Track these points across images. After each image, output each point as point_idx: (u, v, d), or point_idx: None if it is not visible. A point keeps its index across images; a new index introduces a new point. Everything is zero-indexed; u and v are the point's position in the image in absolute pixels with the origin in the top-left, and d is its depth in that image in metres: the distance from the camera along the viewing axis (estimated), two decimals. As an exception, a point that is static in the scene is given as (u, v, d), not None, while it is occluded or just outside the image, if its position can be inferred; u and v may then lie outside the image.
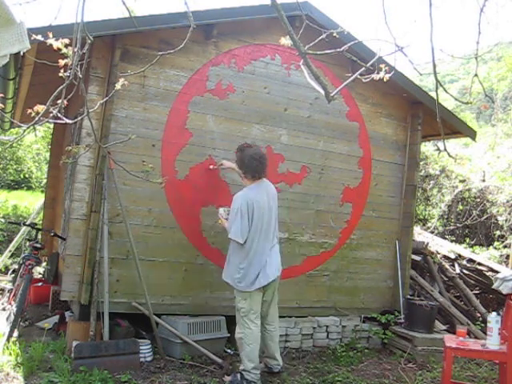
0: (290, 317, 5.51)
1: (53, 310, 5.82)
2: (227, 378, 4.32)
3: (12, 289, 6.00)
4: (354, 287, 5.96)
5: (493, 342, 4.05)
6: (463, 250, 8.54)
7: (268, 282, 4.36)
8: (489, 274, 7.43)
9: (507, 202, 9.86)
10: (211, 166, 5.15)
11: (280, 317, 5.43)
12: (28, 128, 2.76)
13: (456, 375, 4.82)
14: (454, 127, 6.35)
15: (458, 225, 10.45)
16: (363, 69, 2.87)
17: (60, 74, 2.70)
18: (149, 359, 4.57)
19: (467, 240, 10.01)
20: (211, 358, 4.66)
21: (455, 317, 6.35)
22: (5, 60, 2.33)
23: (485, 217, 10.17)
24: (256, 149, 4.68)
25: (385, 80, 2.86)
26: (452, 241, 9.75)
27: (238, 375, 4.26)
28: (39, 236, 6.34)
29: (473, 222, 10.22)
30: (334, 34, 3.01)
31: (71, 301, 5.11)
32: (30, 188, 15.57)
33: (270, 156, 5.48)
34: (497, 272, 6.99)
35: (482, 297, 7.25)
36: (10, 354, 4.34)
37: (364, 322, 5.92)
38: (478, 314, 6.64)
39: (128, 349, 4.37)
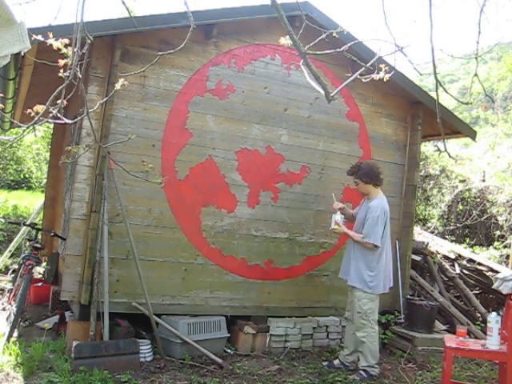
0: (290, 317, 5.51)
1: (53, 310, 5.82)
2: (355, 377, 4.65)
3: (12, 289, 6.00)
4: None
5: (493, 341, 4.05)
6: (463, 249, 8.54)
7: (390, 287, 4.95)
8: (489, 273, 7.42)
9: (507, 201, 9.85)
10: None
11: (280, 317, 5.46)
12: (28, 128, 2.76)
13: (456, 375, 4.81)
14: (454, 127, 6.35)
15: (458, 225, 10.45)
16: (363, 69, 2.87)
17: (60, 74, 2.70)
18: (149, 359, 4.57)
19: (467, 240, 10.01)
20: (211, 357, 4.66)
21: (455, 317, 6.35)
22: (6, 60, 2.33)
23: (485, 217, 10.16)
24: (370, 161, 5.34)
25: (385, 80, 2.86)
26: (452, 241, 9.75)
27: (363, 372, 4.67)
28: (39, 236, 6.34)
29: (473, 222, 10.21)
30: (334, 34, 3.01)
31: (71, 301, 5.10)
32: (30, 188, 15.56)
33: (270, 156, 5.49)
34: (497, 272, 6.98)
35: (482, 297, 7.24)
36: (10, 354, 4.34)
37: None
38: (478, 314, 6.64)
39: (128, 349, 4.37)
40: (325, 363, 5.01)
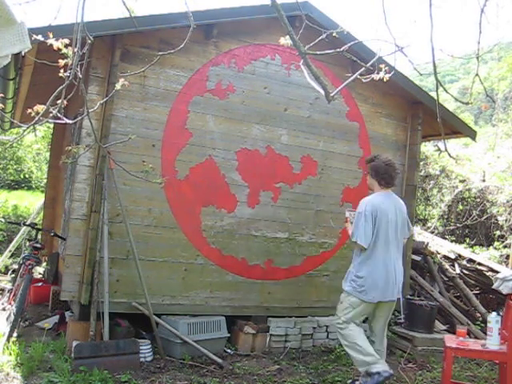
0: (290, 317, 5.51)
1: (53, 310, 5.82)
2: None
3: (12, 289, 5.99)
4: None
5: (493, 341, 4.05)
6: (463, 250, 8.54)
7: (382, 301, 4.19)
8: (489, 274, 7.42)
9: (507, 202, 9.85)
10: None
11: (280, 317, 5.46)
12: (28, 128, 2.76)
13: (456, 375, 4.81)
14: (454, 127, 6.35)
15: (458, 225, 10.45)
16: (363, 69, 2.87)
17: (60, 74, 2.71)
18: (149, 359, 4.57)
19: (467, 240, 10.01)
20: (211, 357, 4.66)
21: (455, 317, 6.35)
22: (6, 60, 2.33)
23: (485, 217, 10.16)
24: (387, 157, 4.56)
25: (385, 80, 2.86)
26: (452, 241, 9.75)
27: (367, 378, 4.07)
28: (39, 236, 6.34)
29: (473, 222, 10.21)
30: (334, 34, 3.01)
31: (71, 301, 5.10)
32: (30, 188, 15.56)
33: (270, 156, 5.49)
34: (497, 272, 6.98)
35: (481, 297, 7.24)
36: (10, 354, 4.34)
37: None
38: (478, 314, 6.64)
39: (128, 349, 4.37)
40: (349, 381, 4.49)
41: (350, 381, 4.51)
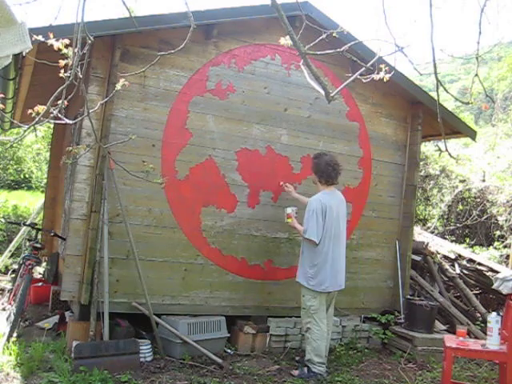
0: (290, 317, 5.51)
1: (53, 310, 5.82)
2: (295, 372, 4.63)
3: (12, 289, 6.00)
4: (354, 287, 5.95)
5: (493, 341, 4.05)
6: (463, 250, 8.54)
7: (334, 290, 4.78)
8: (489, 274, 7.42)
9: (507, 202, 9.85)
10: (283, 184, 5.37)
11: (280, 317, 5.46)
12: (28, 128, 2.76)
13: (456, 375, 4.81)
14: (454, 127, 6.34)
15: (458, 225, 10.45)
16: (363, 69, 2.87)
17: (60, 75, 2.71)
18: (149, 359, 4.57)
19: (467, 240, 10.01)
20: (211, 357, 4.66)
21: (455, 317, 6.35)
22: (7, 60, 2.33)
23: (485, 217, 10.16)
24: (331, 156, 4.98)
25: (385, 80, 2.86)
26: (452, 241, 9.75)
27: (305, 369, 4.61)
28: (39, 236, 6.34)
29: (473, 222, 10.21)
30: (334, 34, 3.01)
31: (71, 301, 5.10)
32: (30, 188, 15.57)
33: (270, 156, 5.49)
34: (497, 272, 6.98)
35: (482, 297, 7.24)
36: (10, 354, 4.34)
37: (364, 321, 5.93)
38: (478, 314, 6.64)
39: (128, 349, 4.37)
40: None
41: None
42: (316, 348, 4.60)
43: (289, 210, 4.97)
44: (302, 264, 4.80)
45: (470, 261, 7.89)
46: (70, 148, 4.04)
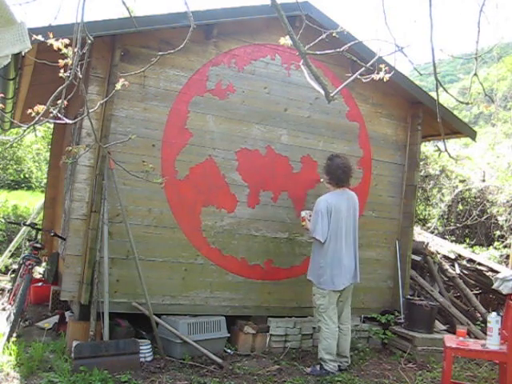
0: (290, 317, 5.51)
1: (53, 310, 5.82)
2: (307, 370, 4.73)
3: (12, 289, 6.00)
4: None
5: (493, 341, 4.05)
6: (463, 250, 8.53)
7: (344, 288, 4.82)
8: (489, 274, 7.42)
9: (507, 202, 9.85)
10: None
11: (280, 317, 5.45)
12: (28, 128, 2.76)
13: (456, 375, 4.81)
14: (454, 127, 6.35)
15: (458, 225, 10.45)
16: (363, 69, 2.87)
17: (60, 74, 2.71)
18: (149, 359, 4.57)
19: (467, 240, 10.00)
20: (211, 357, 4.66)
21: (455, 317, 6.35)
22: (6, 60, 2.33)
23: (485, 217, 10.16)
24: (344, 159, 5.05)
25: (385, 80, 2.86)
26: (452, 241, 9.74)
27: (318, 366, 4.72)
28: (39, 236, 6.34)
29: (473, 222, 10.21)
30: (334, 34, 3.01)
31: (71, 301, 5.11)
32: (30, 188, 15.56)
33: (270, 156, 5.49)
34: (497, 272, 6.98)
35: (482, 297, 7.24)
36: (10, 354, 4.35)
37: (364, 322, 5.92)
38: (478, 314, 6.64)
39: (128, 349, 4.37)
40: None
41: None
42: (326, 346, 4.69)
43: (303, 214, 5.11)
44: (312, 262, 4.93)
45: (470, 261, 7.89)
46: (70, 148, 4.05)
